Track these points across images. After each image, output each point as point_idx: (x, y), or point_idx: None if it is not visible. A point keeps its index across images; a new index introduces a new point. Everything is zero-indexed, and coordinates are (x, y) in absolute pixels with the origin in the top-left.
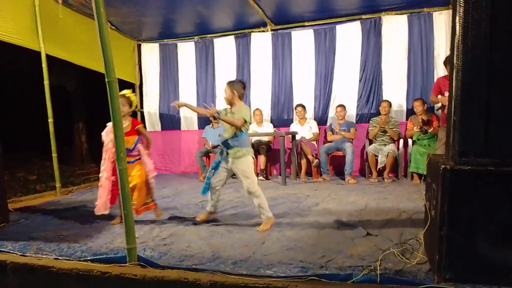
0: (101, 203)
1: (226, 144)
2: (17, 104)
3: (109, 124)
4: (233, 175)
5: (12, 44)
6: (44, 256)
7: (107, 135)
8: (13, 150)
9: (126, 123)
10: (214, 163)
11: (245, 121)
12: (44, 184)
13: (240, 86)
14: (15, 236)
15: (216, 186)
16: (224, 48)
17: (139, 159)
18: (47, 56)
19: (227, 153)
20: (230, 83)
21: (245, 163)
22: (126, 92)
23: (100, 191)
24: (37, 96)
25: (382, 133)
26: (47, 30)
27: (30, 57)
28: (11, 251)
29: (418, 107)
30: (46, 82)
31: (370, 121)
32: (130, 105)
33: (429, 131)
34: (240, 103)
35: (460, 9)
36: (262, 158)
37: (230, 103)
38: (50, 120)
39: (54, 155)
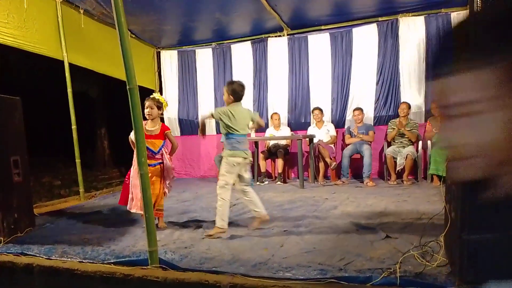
0: (136, 202)
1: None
2: (42, 111)
3: None
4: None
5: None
6: (69, 259)
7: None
8: (39, 156)
9: (156, 126)
10: None
11: (212, 114)
12: (68, 189)
13: (236, 88)
14: (41, 240)
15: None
16: (241, 53)
17: (162, 163)
18: (70, 64)
19: (246, 153)
20: (228, 85)
21: (224, 163)
22: (155, 94)
23: (134, 191)
24: (61, 102)
25: (400, 135)
26: (70, 40)
27: (54, 65)
28: (37, 255)
29: (435, 108)
30: (69, 90)
31: (389, 123)
32: (160, 107)
33: None
34: (238, 105)
35: (478, 9)
36: (279, 162)
37: (228, 104)
38: (74, 126)
39: (78, 160)
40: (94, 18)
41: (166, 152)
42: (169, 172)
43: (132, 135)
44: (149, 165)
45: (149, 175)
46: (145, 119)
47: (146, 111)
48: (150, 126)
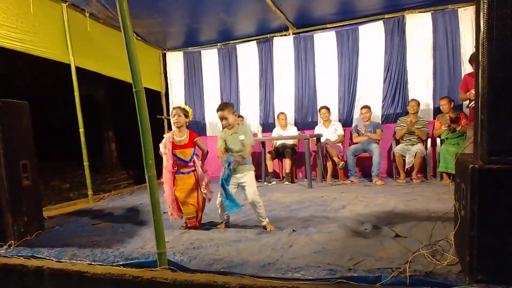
0: (174, 211)
1: (231, 159)
2: (50, 115)
3: (166, 136)
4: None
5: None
6: (79, 261)
7: (165, 147)
8: (47, 159)
9: (184, 136)
10: (222, 180)
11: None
12: (76, 192)
13: (232, 106)
14: (51, 243)
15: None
16: (247, 53)
17: (194, 170)
18: (77, 67)
19: (234, 170)
20: (228, 108)
21: (252, 175)
22: (181, 105)
23: (168, 202)
24: (69, 106)
25: (409, 133)
26: (76, 43)
27: (61, 69)
28: (47, 258)
29: (444, 105)
30: (76, 94)
31: (398, 121)
32: (186, 115)
33: (457, 129)
34: (241, 125)
35: (484, 5)
36: (287, 162)
37: (233, 127)
38: (81, 129)
39: (86, 164)
40: (100, 21)
41: (198, 159)
42: (203, 178)
43: (161, 148)
44: (182, 173)
45: (183, 183)
46: (169, 128)
47: (173, 119)
48: (178, 136)
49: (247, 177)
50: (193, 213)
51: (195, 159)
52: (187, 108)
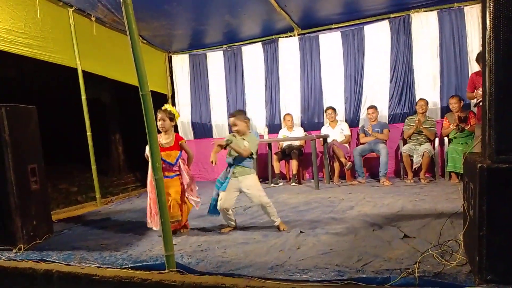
0: (152, 217)
1: (232, 164)
2: (57, 119)
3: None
4: None
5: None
6: (87, 264)
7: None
8: (55, 163)
9: (170, 138)
10: (219, 182)
11: (251, 154)
12: (85, 195)
13: (245, 114)
14: (60, 246)
15: (226, 208)
16: (252, 55)
17: (179, 174)
18: (83, 71)
19: (233, 172)
20: (241, 116)
21: (253, 178)
22: (167, 106)
23: (153, 206)
24: (76, 110)
25: (417, 133)
26: (82, 47)
27: (67, 73)
28: (56, 261)
29: (454, 104)
30: (83, 98)
31: (406, 120)
32: (172, 119)
33: (466, 128)
34: (251, 134)
35: (490, 3)
36: (294, 163)
37: (243, 133)
38: (89, 133)
39: (94, 167)
40: (106, 26)
41: (183, 163)
42: (190, 183)
43: (147, 150)
44: (167, 176)
45: (168, 185)
46: (159, 131)
47: (158, 123)
48: (164, 139)
49: (247, 181)
50: (176, 216)
51: (181, 164)
52: (173, 110)
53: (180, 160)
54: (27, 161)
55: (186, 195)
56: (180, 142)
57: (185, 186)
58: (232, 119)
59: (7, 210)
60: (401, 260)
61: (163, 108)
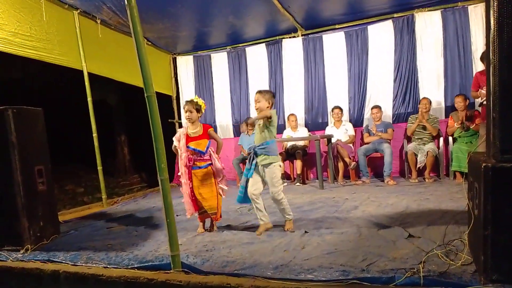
0: (188, 207)
1: (254, 152)
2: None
3: (180, 130)
4: None
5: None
6: (94, 265)
7: (178, 140)
8: (62, 164)
9: (197, 128)
10: (246, 170)
11: (271, 116)
12: (91, 196)
13: (272, 96)
14: (66, 246)
15: (254, 196)
16: (256, 56)
17: (211, 164)
18: (89, 73)
19: (256, 161)
20: (264, 93)
21: (273, 171)
22: (194, 97)
23: (184, 197)
24: (82, 111)
25: (421, 131)
26: (88, 49)
27: (73, 74)
28: (63, 261)
29: (459, 103)
30: (89, 99)
31: (409, 118)
32: (198, 110)
33: (471, 127)
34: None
35: (494, 2)
36: (298, 163)
37: (262, 111)
38: (95, 134)
39: (100, 168)
40: (111, 28)
41: (213, 152)
42: (220, 172)
43: (175, 141)
44: (199, 167)
45: (200, 177)
46: (180, 126)
47: (185, 115)
48: (192, 129)
49: (268, 171)
50: (214, 208)
51: (211, 153)
52: (199, 101)
53: (210, 149)
54: (34, 163)
55: (217, 182)
56: (208, 131)
57: (217, 173)
58: (257, 94)
59: (14, 211)
60: (406, 259)
61: (189, 99)
